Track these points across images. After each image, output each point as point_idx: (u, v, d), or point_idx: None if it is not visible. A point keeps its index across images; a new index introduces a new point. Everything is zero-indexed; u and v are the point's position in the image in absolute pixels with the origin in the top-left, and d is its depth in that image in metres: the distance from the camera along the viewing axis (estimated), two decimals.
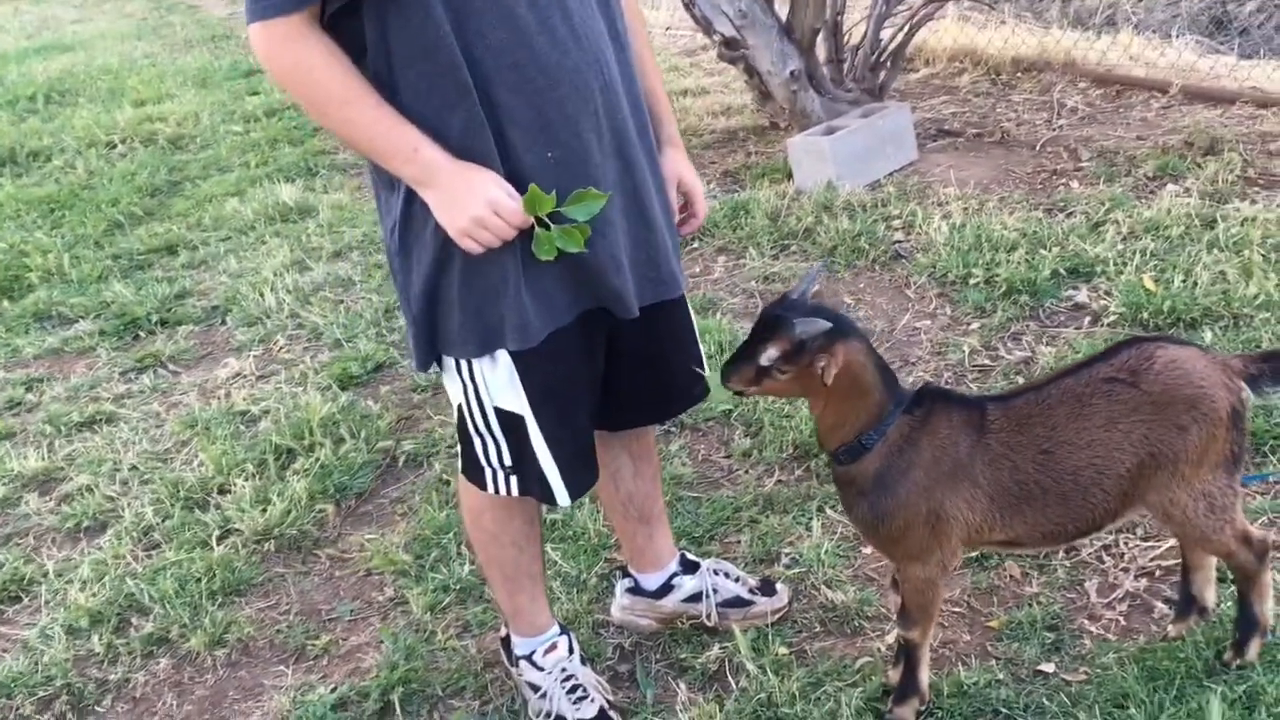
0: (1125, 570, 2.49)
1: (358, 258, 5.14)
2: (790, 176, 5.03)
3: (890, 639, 2.38)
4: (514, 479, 2.06)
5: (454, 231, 1.81)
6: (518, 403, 1.98)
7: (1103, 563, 2.52)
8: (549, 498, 2.06)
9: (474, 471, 2.11)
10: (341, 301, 4.68)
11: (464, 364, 1.97)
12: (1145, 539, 2.57)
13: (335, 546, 3.10)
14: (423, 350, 1.98)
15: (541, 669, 2.33)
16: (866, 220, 4.42)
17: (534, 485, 2.05)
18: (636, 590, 2.55)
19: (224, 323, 4.70)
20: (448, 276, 1.89)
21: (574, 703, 2.28)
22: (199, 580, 2.97)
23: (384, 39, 1.77)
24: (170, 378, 4.28)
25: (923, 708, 2.18)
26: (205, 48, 11.37)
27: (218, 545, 3.12)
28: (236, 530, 3.16)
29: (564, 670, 2.32)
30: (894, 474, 1.97)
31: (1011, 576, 2.53)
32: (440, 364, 2.02)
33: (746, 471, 3.09)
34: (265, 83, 8.96)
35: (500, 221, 1.79)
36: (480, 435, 2.03)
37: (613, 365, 2.11)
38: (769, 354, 1.88)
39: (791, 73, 5.12)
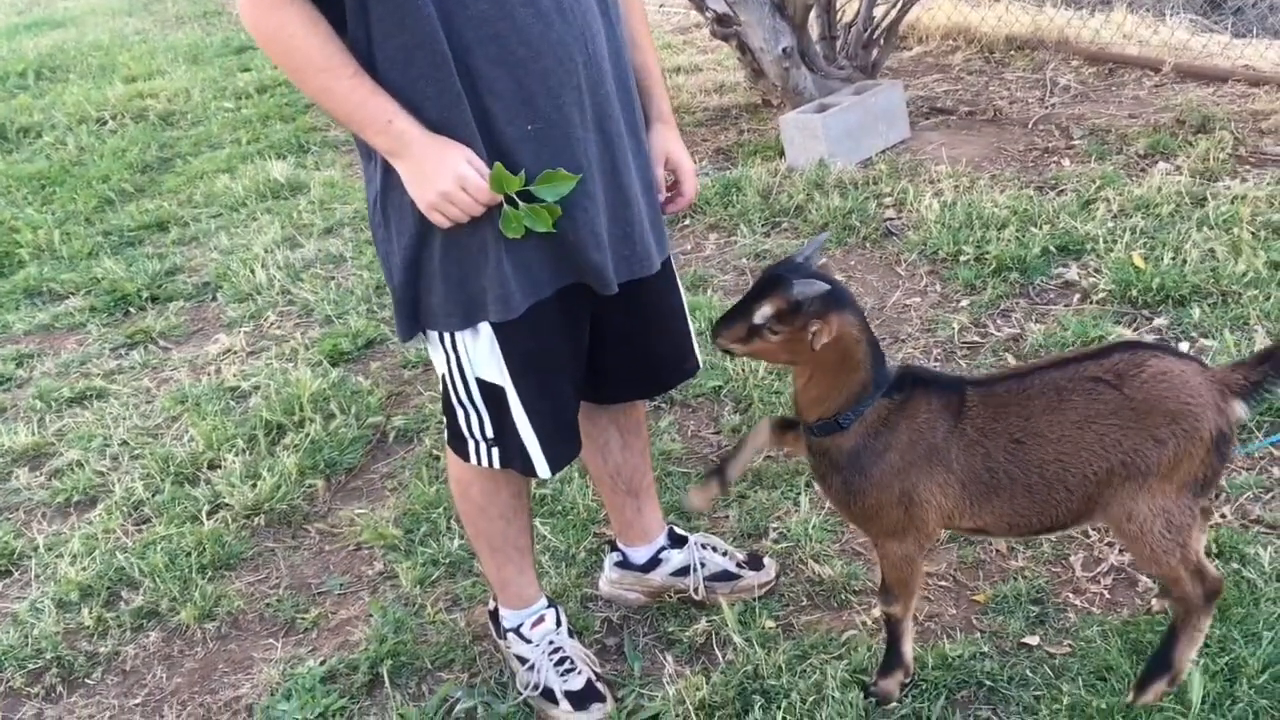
0: (1110, 544, 2.50)
1: (349, 234, 5.13)
2: (782, 154, 5.03)
3: (876, 613, 2.40)
4: (496, 450, 2.06)
5: (422, 205, 1.82)
6: (499, 374, 1.98)
7: (1088, 537, 2.54)
8: (529, 469, 2.07)
9: (458, 442, 2.11)
10: (332, 278, 4.67)
11: (447, 335, 1.97)
12: None
13: (325, 521, 3.11)
14: (406, 321, 1.99)
15: (529, 641, 2.34)
16: (858, 198, 4.42)
17: (515, 457, 2.06)
18: (624, 564, 2.57)
19: (215, 299, 4.70)
20: (429, 248, 1.90)
21: (561, 675, 2.30)
22: (189, 554, 2.97)
23: (363, 9, 1.76)
24: (161, 354, 4.28)
25: (907, 680, 2.19)
26: (197, 24, 11.31)
27: (208, 520, 3.12)
28: (226, 505, 3.17)
29: (551, 643, 2.33)
30: (869, 455, 1.95)
31: (997, 551, 2.54)
32: (425, 334, 2.02)
33: (735, 447, 3.09)
34: (257, 59, 8.92)
35: (467, 198, 1.79)
36: (463, 406, 2.04)
37: (597, 341, 2.11)
38: (764, 311, 1.85)
39: (784, 50, 5.10)
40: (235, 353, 4.15)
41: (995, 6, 6.47)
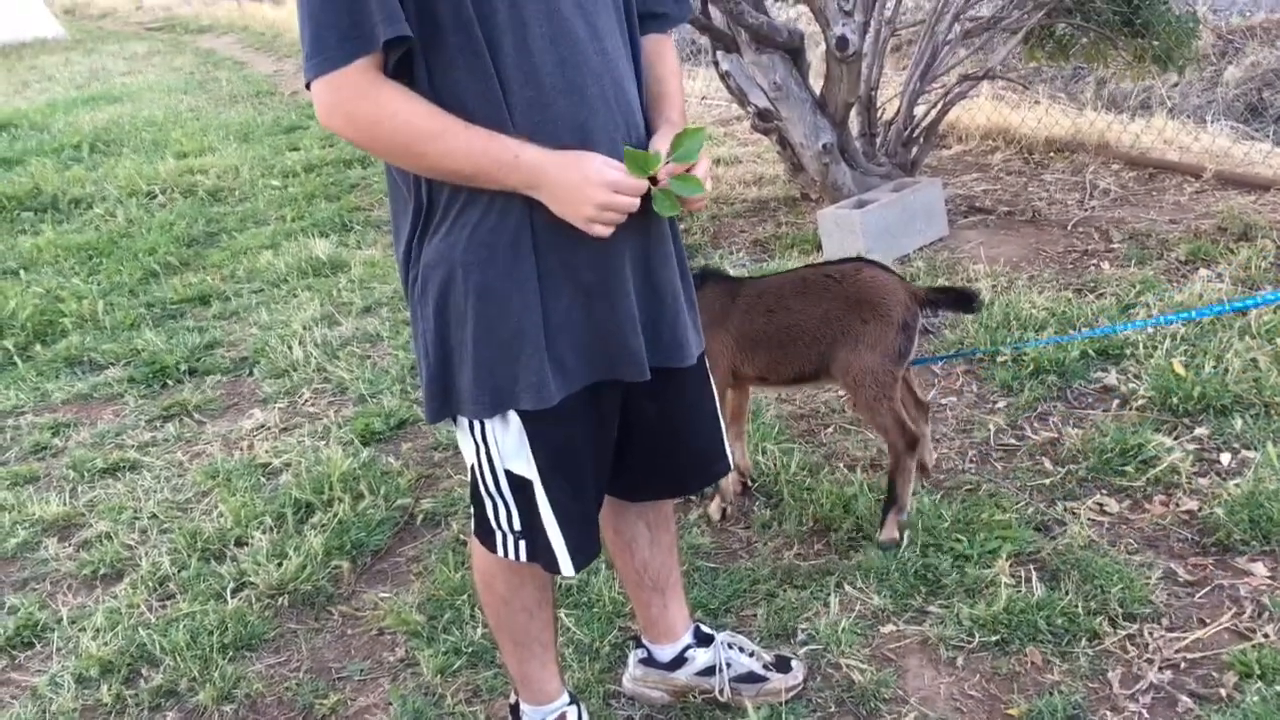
0: (1149, 661, 2.44)
1: (386, 314, 5.17)
2: (819, 248, 5.05)
3: None
4: (523, 544, 2.03)
5: (580, 222, 1.78)
6: (527, 467, 1.96)
7: (1126, 652, 2.47)
8: (553, 566, 2.03)
9: (485, 534, 2.09)
10: (368, 357, 4.70)
11: (476, 424, 1.95)
12: (1170, 629, 2.52)
13: (349, 604, 3.08)
14: (436, 403, 1.95)
15: None
16: None
17: (541, 552, 2.03)
18: (649, 661, 2.52)
19: (251, 374, 4.73)
20: (462, 330, 1.88)
21: None
22: (211, 633, 2.95)
23: (433, 90, 1.76)
24: (195, 427, 4.30)
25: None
26: (249, 103, 11.58)
27: (232, 598, 3.11)
28: (251, 584, 3.15)
29: None
30: None
31: (1033, 663, 2.48)
32: (455, 421, 2.01)
33: (765, 544, 3.06)
34: (305, 139, 9.11)
35: (623, 198, 1.78)
36: (491, 497, 2.02)
37: (626, 437, 2.09)
38: None
39: (824, 145, 5.15)
40: (268, 429, 4.16)
41: (1035, 108, 6.52)
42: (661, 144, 1.89)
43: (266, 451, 3.94)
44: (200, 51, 17.26)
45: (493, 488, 2.00)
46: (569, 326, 1.88)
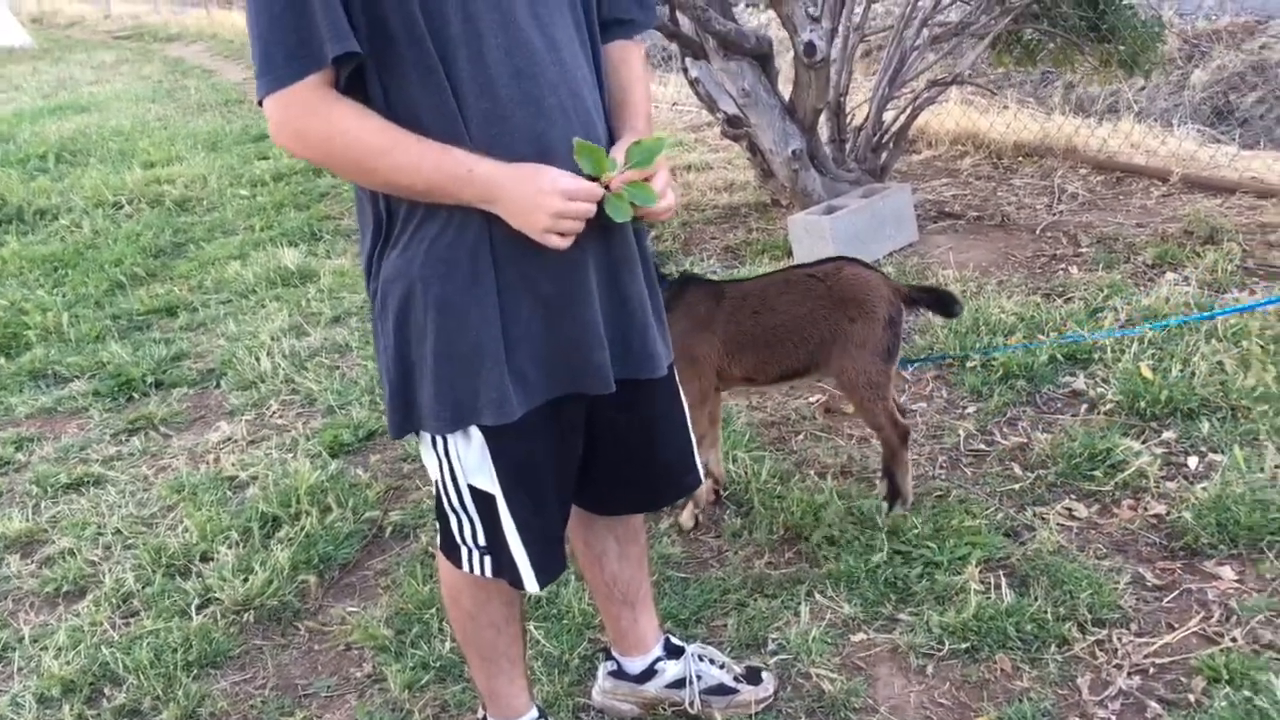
0: (1118, 666, 2.44)
1: (355, 324, 5.13)
2: (790, 254, 5.04)
3: None
4: (488, 559, 2.01)
5: (535, 234, 1.76)
6: (490, 482, 1.94)
7: (1095, 658, 2.47)
8: (518, 582, 2.01)
9: (451, 549, 2.06)
10: (337, 368, 4.66)
11: (439, 439, 1.93)
12: (1139, 634, 2.52)
13: (315, 619, 3.05)
14: (398, 418, 1.93)
15: None
16: None
17: (505, 568, 2.01)
18: (619, 674, 2.50)
19: (218, 386, 4.68)
20: (422, 345, 1.85)
21: None
22: (175, 650, 2.91)
23: (388, 105, 1.75)
24: (161, 440, 4.25)
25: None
26: (218, 112, 11.49)
27: (197, 614, 3.06)
28: (216, 599, 3.11)
29: None
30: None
31: (1002, 670, 2.47)
32: (418, 436, 1.98)
33: (736, 552, 3.04)
34: (274, 148, 9.02)
35: (579, 205, 1.76)
36: (456, 513, 1.99)
37: (593, 450, 2.08)
38: None
39: (793, 152, 5.15)
40: (235, 441, 4.12)
41: (1004, 113, 6.55)
42: (620, 152, 1.87)
43: (233, 464, 3.89)
44: (169, 60, 17.12)
45: (457, 503, 1.98)
46: (528, 339, 1.85)
